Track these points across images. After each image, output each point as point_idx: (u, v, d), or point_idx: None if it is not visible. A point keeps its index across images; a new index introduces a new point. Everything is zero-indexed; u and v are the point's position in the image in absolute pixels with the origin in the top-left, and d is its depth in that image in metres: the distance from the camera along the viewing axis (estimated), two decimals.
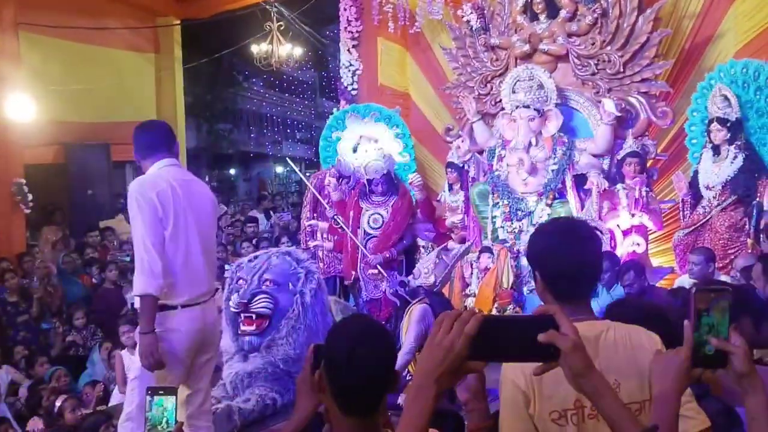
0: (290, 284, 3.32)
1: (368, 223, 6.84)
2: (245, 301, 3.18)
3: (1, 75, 8.67)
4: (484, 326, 1.23)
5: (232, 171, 22.81)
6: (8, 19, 8.85)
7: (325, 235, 7.37)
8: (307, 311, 3.27)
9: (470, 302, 6.59)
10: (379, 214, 6.85)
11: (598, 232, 1.99)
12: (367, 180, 6.85)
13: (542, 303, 1.92)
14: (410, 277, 5.36)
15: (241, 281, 3.33)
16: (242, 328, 3.20)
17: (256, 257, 3.51)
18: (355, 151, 7.56)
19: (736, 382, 1.42)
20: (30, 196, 8.89)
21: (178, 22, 12.32)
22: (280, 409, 3.84)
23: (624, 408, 1.37)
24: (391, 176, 6.94)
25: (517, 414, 1.85)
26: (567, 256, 1.88)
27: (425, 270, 5.18)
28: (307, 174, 12.27)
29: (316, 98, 24.52)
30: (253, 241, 8.74)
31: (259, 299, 3.21)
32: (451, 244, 6.89)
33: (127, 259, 8.43)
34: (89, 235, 9.04)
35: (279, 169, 24.02)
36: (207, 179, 19.69)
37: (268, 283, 3.26)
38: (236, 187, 21.73)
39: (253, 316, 3.20)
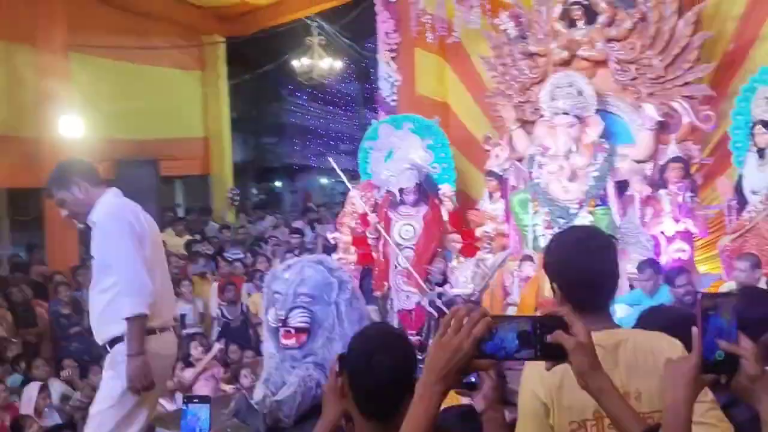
0: (325, 295, 3.33)
1: (399, 234, 6.87)
2: (283, 317, 3.22)
3: (53, 95, 9.00)
4: (494, 326, 1.27)
5: (278, 184, 23.12)
6: (59, 41, 9.20)
7: (347, 248, 7.45)
8: (342, 321, 3.29)
9: (512, 311, 6.56)
10: (411, 225, 6.87)
11: (613, 240, 1.99)
12: (399, 190, 6.90)
13: None
14: (446, 287, 5.36)
15: (277, 295, 3.36)
16: (283, 342, 3.24)
17: (289, 267, 3.53)
18: (386, 161, 7.59)
19: (748, 387, 1.41)
20: None
21: (223, 39, 12.63)
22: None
23: (628, 408, 1.39)
24: (422, 187, 6.96)
25: (536, 424, 1.85)
26: (584, 266, 1.87)
27: (463, 279, 5.18)
28: (352, 185, 12.39)
29: (359, 110, 24.70)
30: (296, 252, 8.86)
31: (296, 314, 3.24)
32: (482, 254, 6.88)
33: (176, 272, 8.63)
34: None
35: (324, 181, 24.25)
36: (255, 192, 20.04)
37: (302, 296, 3.29)
38: (282, 200, 22.02)
39: (292, 330, 3.24)
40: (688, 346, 1.85)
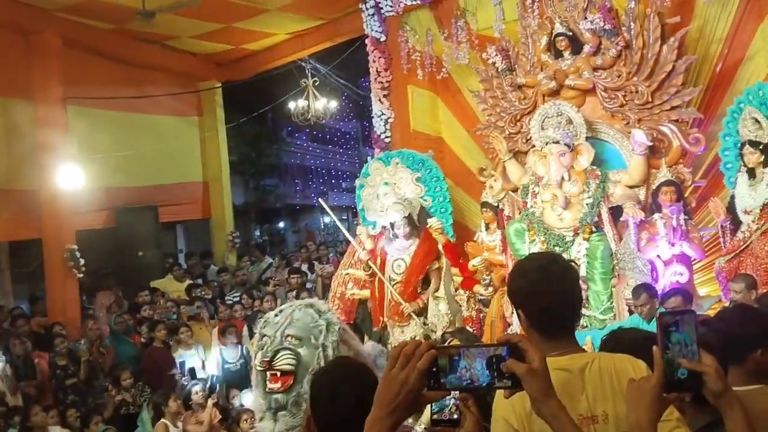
0: (312, 338, 3.34)
1: (392, 269, 6.89)
2: (268, 359, 3.22)
3: (51, 146, 9.11)
4: (441, 363, 1.27)
5: (281, 224, 23.16)
6: (56, 94, 9.34)
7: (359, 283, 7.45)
8: None
9: None
10: (403, 260, 6.91)
11: (572, 265, 2.02)
12: (390, 225, 6.93)
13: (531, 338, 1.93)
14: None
15: (265, 338, 3.38)
16: (269, 386, 3.24)
17: (281, 311, 3.56)
18: (378, 198, 7.63)
19: (713, 402, 1.41)
20: (82, 261, 9.21)
21: (219, 85, 12.78)
22: None
23: None
24: (413, 220, 6.99)
25: None
26: (547, 292, 1.89)
27: (442, 312, 5.19)
28: (355, 222, 12.29)
29: (359, 147, 24.89)
30: (294, 292, 8.85)
31: (282, 356, 3.25)
32: (477, 287, 6.87)
33: (174, 316, 8.63)
34: (140, 295, 9.29)
35: (327, 220, 24.31)
36: (257, 234, 20.07)
37: (290, 338, 3.30)
38: (285, 240, 22.03)
39: (278, 374, 3.24)
40: (652, 367, 1.85)
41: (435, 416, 1.58)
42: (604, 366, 1.85)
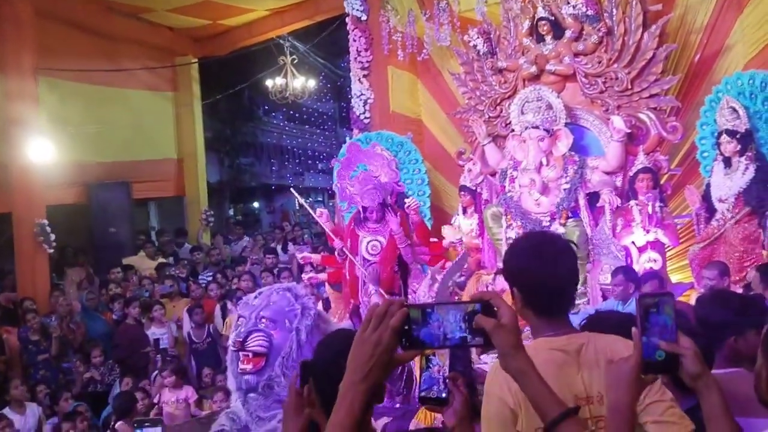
0: (287, 321, 3.31)
1: (367, 250, 6.84)
2: (240, 339, 3.19)
3: (22, 119, 8.90)
4: (414, 316, 1.25)
5: (256, 204, 23.00)
6: (27, 65, 9.11)
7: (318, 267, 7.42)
8: (302, 349, 3.26)
9: None
10: (378, 240, 6.86)
11: (572, 246, 1.99)
12: (363, 207, 6.89)
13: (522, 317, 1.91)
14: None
15: (241, 319, 3.35)
16: (241, 366, 3.21)
17: (260, 293, 3.53)
18: (351, 178, 7.57)
19: (690, 385, 1.41)
20: (53, 237, 9.05)
21: (196, 60, 12.58)
22: None
23: (548, 391, 1.38)
24: (386, 203, 6.95)
25: (504, 429, 1.84)
26: (542, 272, 1.88)
27: (422, 292, 5.17)
28: (331, 204, 12.18)
29: (336, 129, 24.73)
30: (274, 271, 8.81)
31: (254, 337, 3.22)
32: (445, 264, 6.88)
33: (146, 294, 8.54)
34: (112, 272, 9.16)
35: (296, 199, 24.17)
36: (231, 213, 19.92)
37: (264, 320, 3.27)
38: (260, 220, 21.90)
39: (250, 355, 3.21)
40: None
41: (423, 394, 1.57)
42: (600, 347, 1.85)
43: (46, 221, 9.03)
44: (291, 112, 21.52)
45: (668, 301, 1.41)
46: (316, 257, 7.65)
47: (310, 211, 7.82)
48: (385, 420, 3.76)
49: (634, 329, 1.42)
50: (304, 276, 7.64)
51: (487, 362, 4.42)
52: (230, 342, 3.34)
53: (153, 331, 7.71)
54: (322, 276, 7.49)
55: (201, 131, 12.98)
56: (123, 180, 10.96)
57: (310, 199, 22.63)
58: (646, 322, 1.40)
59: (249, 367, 3.16)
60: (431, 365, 1.58)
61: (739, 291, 5.19)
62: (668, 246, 6.58)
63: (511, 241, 2.15)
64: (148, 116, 11.68)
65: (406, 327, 1.25)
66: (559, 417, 1.35)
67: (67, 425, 5.76)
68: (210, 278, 9.07)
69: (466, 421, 1.68)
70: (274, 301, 3.41)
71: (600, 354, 1.83)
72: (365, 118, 9.16)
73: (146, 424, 1.98)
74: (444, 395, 1.58)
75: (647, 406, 1.71)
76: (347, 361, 1.26)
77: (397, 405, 4.12)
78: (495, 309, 1.30)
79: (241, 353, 3.19)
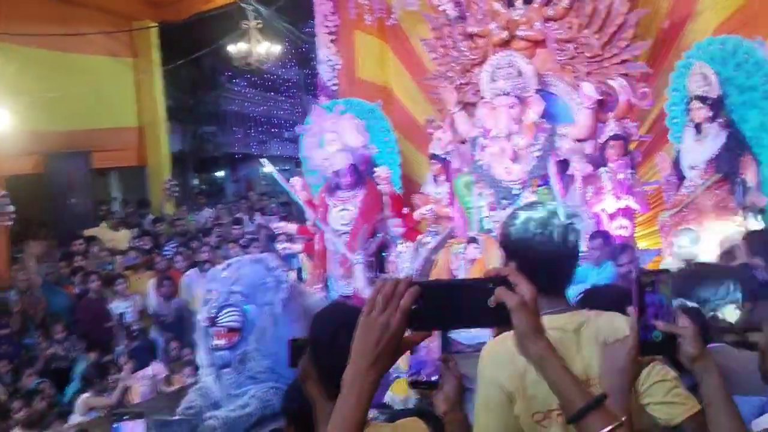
0: (259, 294, 3.21)
1: (337, 219, 6.75)
2: (212, 315, 3.07)
3: None
4: (426, 294, 1.15)
5: (220, 173, 22.63)
6: None
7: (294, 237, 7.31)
8: (277, 322, 3.16)
9: None
10: (347, 209, 6.76)
11: (575, 220, 1.91)
12: (333, 173, 6.76)
13: None
14: (387, 275, 5.27)
15: (212, 293, 3.22)
16: (215, 342, 3.10)
17: (229, 265, 3.40)
18: (321, 146, 7.41)
19: (688, 367, 1.36)
20: (12, 208, 8.73)
21: (155, 24, 12.18)
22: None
23: (572, 378, 1.27)
24: (357, 169, 6.84)
25: (501, 417, 1.77)
26: (543, 247, 1.81)
27: (405, 263, 5.10)
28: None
29: (301, 95, 24.31)
30: (240, 242, 8.65)
31: (227, 312, 3.11)
32: (423, 237, 6.82)
33: (109, 266, 8.33)
34: (74, 243, 8.89)
35: (267, 169, 23.87)
36: (195, 182, 19.57)
37: (236, 295, 3.15)
38: (224, 190, 21.57)
39: (223, 330, 3.09)
40: None
41: (412, 377, 1.49)
42: (601, 326, 1.78)
43: (3, 192, 8.70)
44: (254, 79, 21.09)
45: (666, 279, 1.35)
46: (292, 227, 7.50)
47: (281, 181, 7.65)
48: None
49: (630, 309, 1.36)
50: (279, 247, 7.50)
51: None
52: (201, 317, 3.22)
53: (117, 305, 7.53)
54: (297, 247, 7.36)
55: (162, 99, 12.63)
56: (82, 149, 10.63)
57: (277, 167, 22.36)
58: (643, 300, 1.34)
59: (223, 342, 3.06)
60: (419, 347, 1.50)
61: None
62: (637, 212, 6.61)
63: (513, 210, 2.05)
64: (106, 83, 11.29)
65: (414, 306, 1.14)
66: (585, 407, 1.23)
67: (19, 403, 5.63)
68: (174, 250, 8.87)
69: (458, 406, 1.63)
70: (245, 274, 3.30)
71: (600, 334, 1.76)
72: (333, 84, 8.97)
73: (125, 417, 1.79)
74: (434, 378, 1.49)
75: (649, 387, 1.66)
76: (352, 346, 1.15)
77: None
78: (513, 286, 1.17)
79: (213, 329, 3.09)
